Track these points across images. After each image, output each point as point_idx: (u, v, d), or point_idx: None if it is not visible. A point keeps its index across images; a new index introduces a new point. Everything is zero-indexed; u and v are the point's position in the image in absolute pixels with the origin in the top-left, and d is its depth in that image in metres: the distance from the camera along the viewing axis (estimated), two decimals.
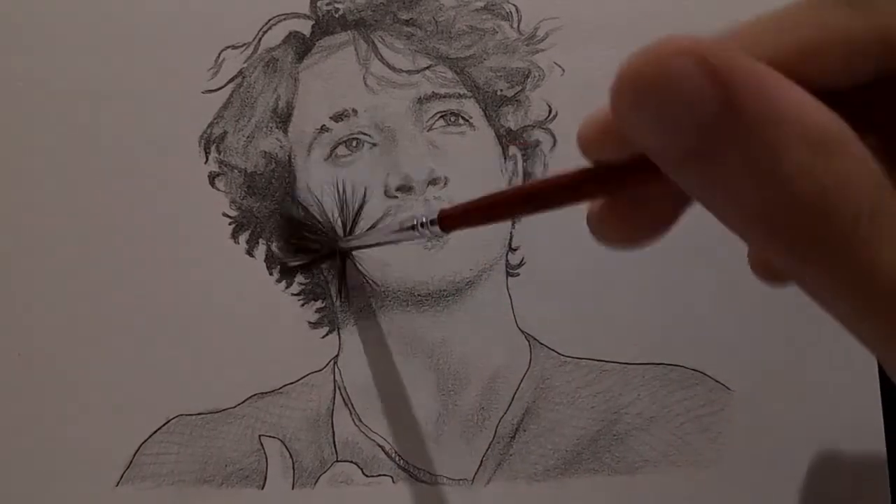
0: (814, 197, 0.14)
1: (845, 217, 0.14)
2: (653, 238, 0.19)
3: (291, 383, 0.34)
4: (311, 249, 0.35)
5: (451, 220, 0.23)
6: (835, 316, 0.16)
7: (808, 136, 0.14)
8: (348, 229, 0.34)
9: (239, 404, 0.34)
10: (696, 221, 0.37)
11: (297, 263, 0.34)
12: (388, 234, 0.29)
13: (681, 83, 0.14)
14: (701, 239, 0.37)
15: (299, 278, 0.35)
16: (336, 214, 0.34)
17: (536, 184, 0.21)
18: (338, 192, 0.34)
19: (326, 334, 0.35)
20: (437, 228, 0.24)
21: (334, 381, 0.35)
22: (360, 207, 0.34)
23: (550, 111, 0.37)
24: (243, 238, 0.35)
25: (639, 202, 0.19)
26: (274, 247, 0.35)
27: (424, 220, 0.25)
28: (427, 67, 0.36)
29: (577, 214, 0.36)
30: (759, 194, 0.15)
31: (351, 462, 0.34)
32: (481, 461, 0.35)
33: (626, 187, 0.18)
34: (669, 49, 0.14)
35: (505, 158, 0.37)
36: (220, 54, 0.35)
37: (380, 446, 0.34)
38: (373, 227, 0.34)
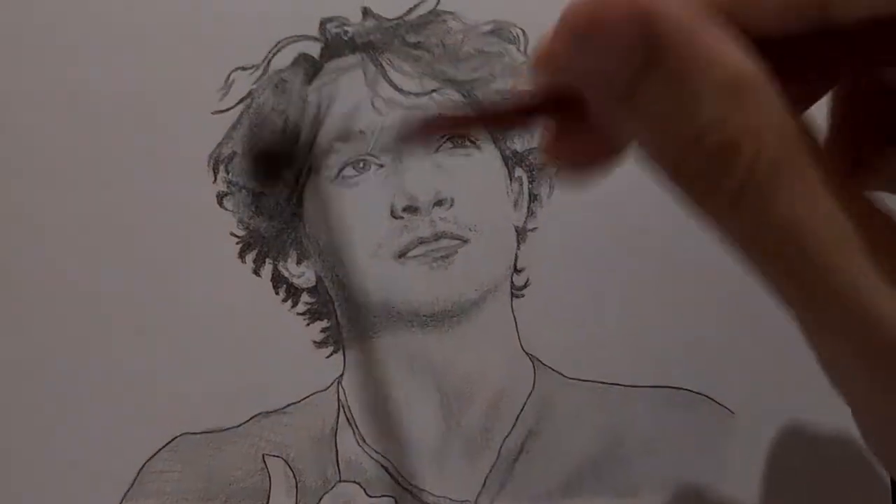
0: (720, 145, 0.15)
1: (747, 167, 0.15)
2: (600, 166, 0.20)
3: (296, 402, 0.35)
4: (280, 168, 0.35)
5: (410, 136, 0.24)
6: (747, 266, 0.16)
7: (721, 83, 0.15)
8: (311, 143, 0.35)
9: (243, 423, 0.34)
10: (701, 244, 0.37)
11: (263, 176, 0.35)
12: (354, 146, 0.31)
13: (612, 27, 0.15)
14: (706, 262, 0.37)
15: (305, 298, 0.36)
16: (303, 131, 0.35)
17: (488, 109, 0.22)
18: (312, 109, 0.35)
19: (331, 354, 0.35)
20: (398, 143, 0.25)
21: (338, 400, 0.35)
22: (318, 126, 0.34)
23: None
24: (250, 257, 0.35)
25: (585, 132, 0.19)
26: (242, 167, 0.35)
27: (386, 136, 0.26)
28: (434, 90, 0.36)
29: (582, 237, 0.37)
30: (676, 140, 0.15)
31: (354, 482, 0.34)
32: (484, 482, 0.35)
33: (567, 116, 0.19)
34: None
35: (511, 180, 0.37)
36: (229, 75, 0.36)
37: (383, 466, 0.35)
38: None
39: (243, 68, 0.36)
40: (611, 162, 0.20)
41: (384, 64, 0.36)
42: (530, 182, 0.37)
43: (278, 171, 0.35)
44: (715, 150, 0.15)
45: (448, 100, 0.36)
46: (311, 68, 0.36)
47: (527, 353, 0.36)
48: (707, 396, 0.36)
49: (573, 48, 0.16)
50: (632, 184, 0.37)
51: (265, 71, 0.36)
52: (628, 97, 0.16)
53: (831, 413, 0.36)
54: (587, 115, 0.17)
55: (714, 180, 0.15)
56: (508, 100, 0.20)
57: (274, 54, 0.36)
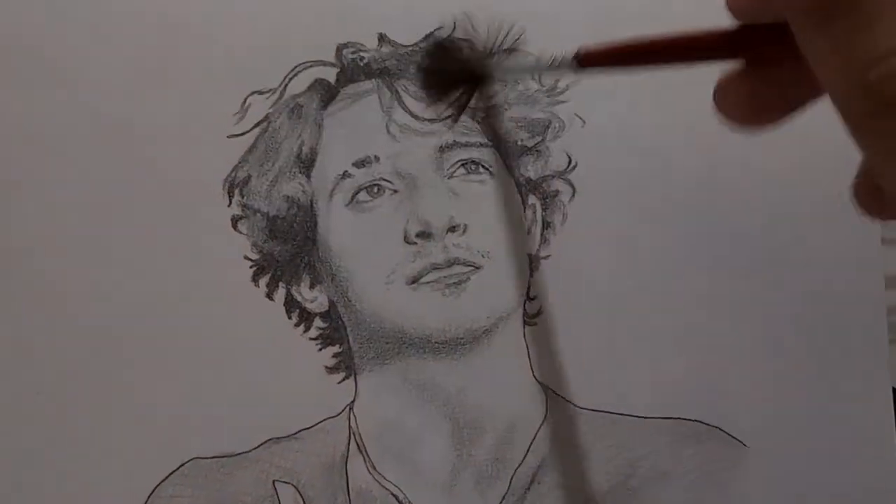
0: (884, 78, 0.15)
1: None
2: (767, 122, 0.20)
3: (307, 428, 0.34)
4: (453, 72, 0.35)
5: (590, 58, 0.24)
6: None
7: None
8: (490, 54, 0.34)
9: (254, 448, 0.34)
10: (715, 276, 0.37)
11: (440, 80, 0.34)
12: (527, 65, 0.30)
13: None
14: (719, 293, 0.37)
15: (318, 322, 0.36)
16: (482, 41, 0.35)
17: (678, 36, 0.21)
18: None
19: (343, 379, 0.35)
20: (574, 64, 0.25)
21: (349, 427, 0.35)
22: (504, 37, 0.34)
23: (570, 162, 0.37)
24: (263, 281, 0.35)
25: (765, 81, 0.20)
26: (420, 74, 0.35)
27: (563, 56, 0.26)
28: (449, 116, 0.36)
29: (595, 265, 0.36)
30: (846, 73, 0.15)
31: None
32: None
33: (760, 52, 0.19)
34: None
35: (524, 207, 0.37)
36: (246, 100, 0.36)
37: (393, 495, 0.34)
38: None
39: (260, 92, 0.36)
40: (776, 120, 0.20)
41: (399, 90, 0.36)
42: (543, 209, 0.37)
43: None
44: (886, 95, 0.15)
45: (463, 126, 0.36)
46: (326, 93, 0.36)
47: (539, 383, 0.36)
48: (720, 429, 0.36)
49: None
50: (644, 213, 0.37)
51: (281, 95, 0.36)
52: (822, 7, 0.16)
53: (844, 445, 0.36)
54: (768, 57, 0.18)
55: (876, 116, 0.15)
56: (693, 34, 0.20)
57: (290, 79, 0.36)
